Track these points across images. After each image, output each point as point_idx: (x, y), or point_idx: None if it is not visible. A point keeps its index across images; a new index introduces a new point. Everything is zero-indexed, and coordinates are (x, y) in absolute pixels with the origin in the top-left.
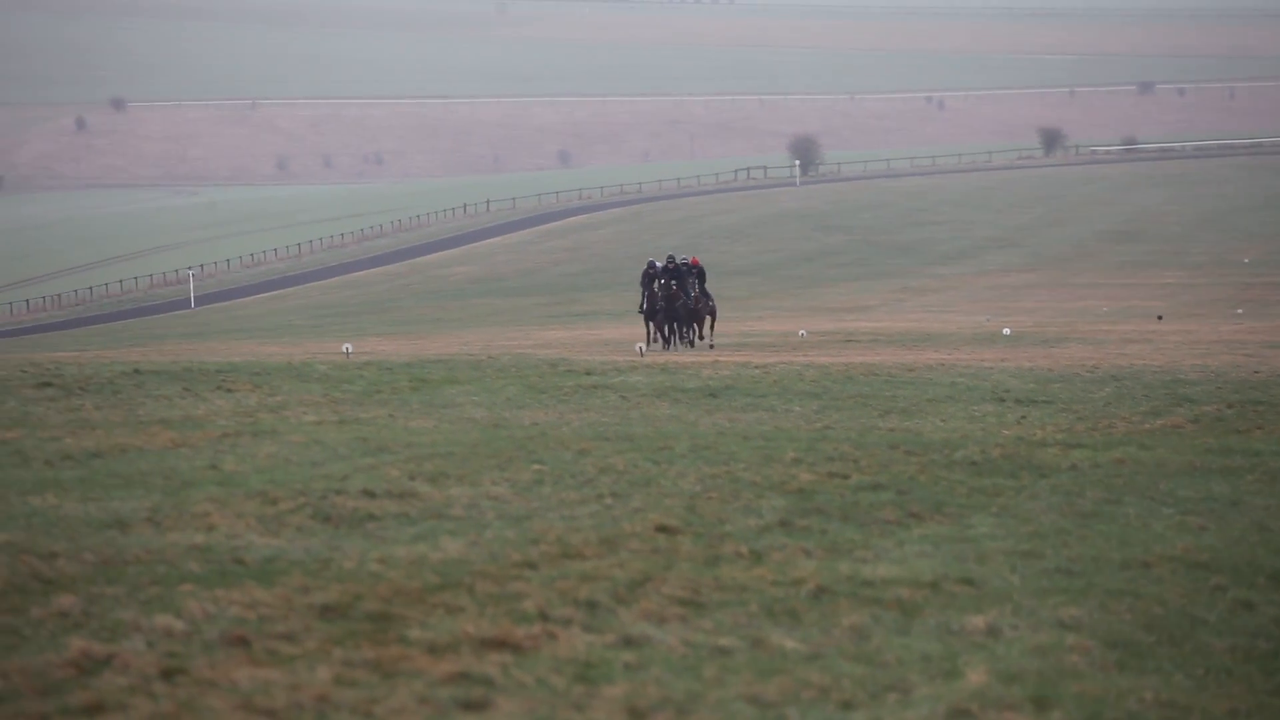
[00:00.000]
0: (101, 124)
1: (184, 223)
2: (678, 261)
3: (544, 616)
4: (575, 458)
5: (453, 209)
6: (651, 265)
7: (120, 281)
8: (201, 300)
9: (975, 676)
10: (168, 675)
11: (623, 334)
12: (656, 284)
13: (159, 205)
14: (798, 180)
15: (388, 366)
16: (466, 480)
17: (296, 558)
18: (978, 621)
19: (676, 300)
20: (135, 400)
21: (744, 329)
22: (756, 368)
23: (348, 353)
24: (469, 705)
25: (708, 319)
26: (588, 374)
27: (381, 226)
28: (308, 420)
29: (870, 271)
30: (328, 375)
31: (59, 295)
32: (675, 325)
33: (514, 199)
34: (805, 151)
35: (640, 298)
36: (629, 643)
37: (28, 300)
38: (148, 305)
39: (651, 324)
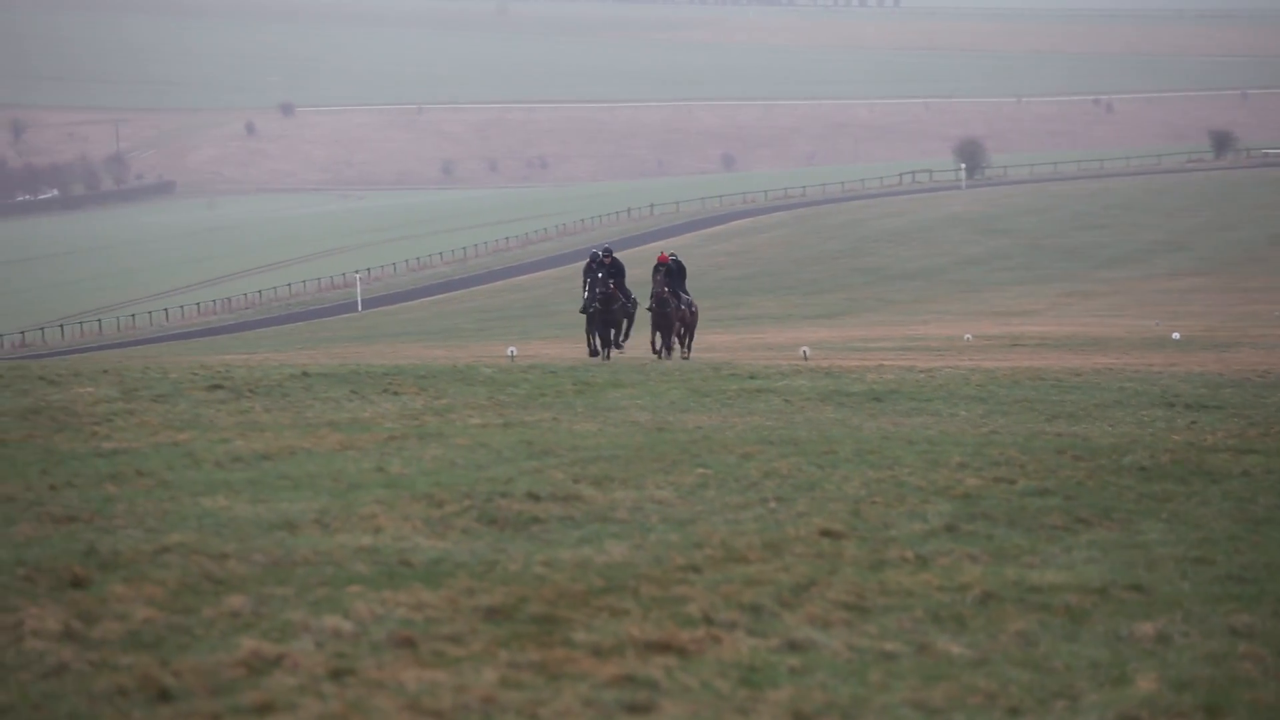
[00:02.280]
0: (270, 129)
1: (351, 227)
2: (670, 260)
3: (708, 620)
4: (739, 461)
5: (616, 212)
6: (594, 256)
7: (289, 285)
8: (368, 304)
9: (1145, 684)
10: (336, 676)
11: (786, 338)
12: (596, 280)
13: (326, 209)
14: (963, 183)
15: (552, 370)
16: (630, 484)
17: (462, 560)
18: (1147, 628)
19: (614, 302)
20: (304, 403)
21: (909, 333)
22: (921, 372)
23: (512, 356)
24: (634, 708)
25: (682, 327)
26: (751, 378)
27: (545, 230)
28: (473, 423)
29: (1036, 275)
30: (493, 379)
31: (229, 299)
32: (610, 332)
33: (677, 203)
34: (971, 155)
35: (582, 295)
36: (793, 647)
37: (198, 303)
38: (315, 308)
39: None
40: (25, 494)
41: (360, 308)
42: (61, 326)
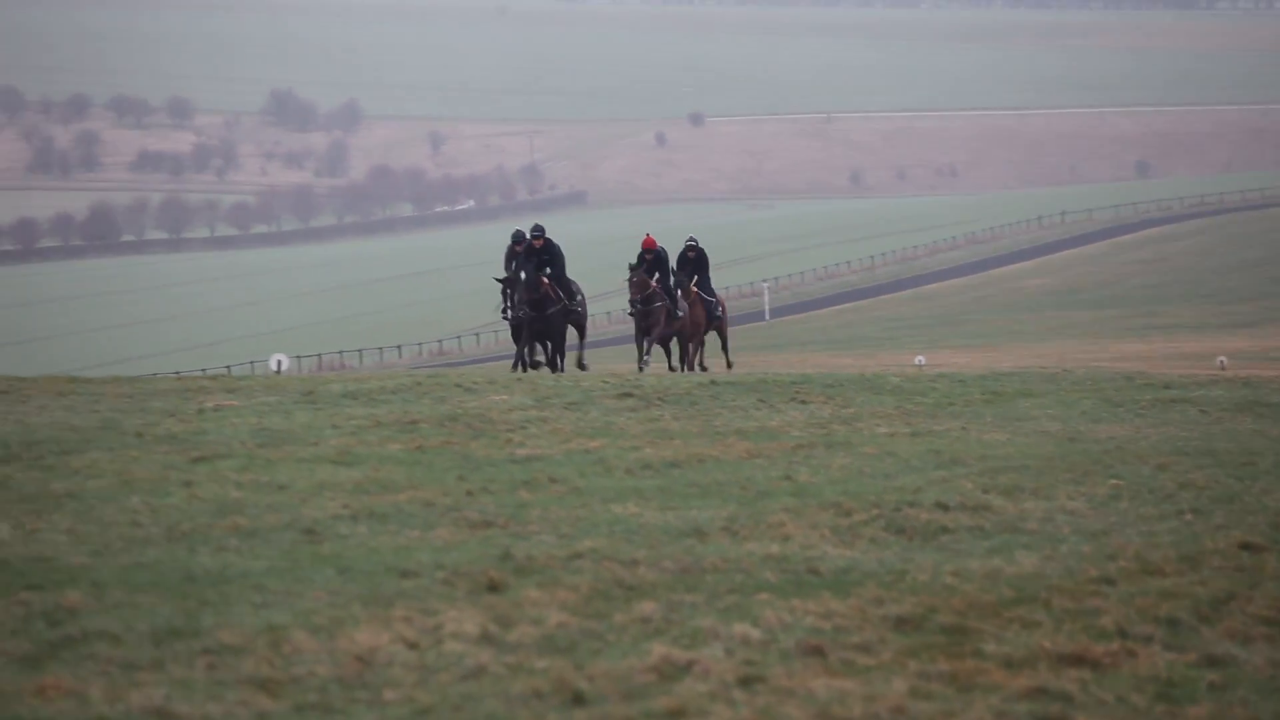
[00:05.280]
0: (680, 139)
1: (759, 236)
2: (691, 246)
3: (1123, 633)
4: (1154, 473)
5: (1027, 221)
6: (518, 237)
7: None
8: (776, 312)
9: None
10: (746, 683)
11: (1204, 347)
12: (522, 269)
13: (734, 219)
14: None
15: (960, 379)
16: (1041, 494)
17: (870, 569)
18: None
19: (548, 304)
20: (712, 411)
21: None
22: None
23: (920, 365)
24: None
25: (707, 334)
26: (1166, 387)
27: (954, 239)
28: (880, 432)
29: None
30: (900, 387)
31: None
32: (548, 344)
33: (1089, 210)
34: None
35: (499, 296)
36: (1213, 662)
37: (609, 313)
38: None
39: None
40: (443, 499)
41: (768, 316)
42: (477, 335)
